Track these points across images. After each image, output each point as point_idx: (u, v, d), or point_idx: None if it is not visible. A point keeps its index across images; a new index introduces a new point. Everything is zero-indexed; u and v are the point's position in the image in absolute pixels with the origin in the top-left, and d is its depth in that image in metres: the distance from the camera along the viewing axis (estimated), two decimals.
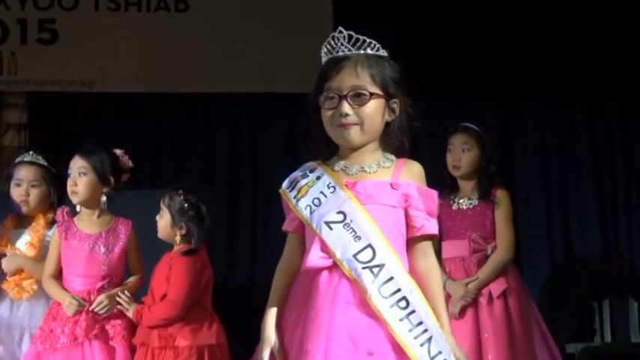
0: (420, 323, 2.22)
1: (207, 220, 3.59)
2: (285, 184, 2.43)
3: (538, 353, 3.84)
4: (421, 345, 2.20)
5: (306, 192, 2.36)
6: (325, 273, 2.28)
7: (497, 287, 3.83)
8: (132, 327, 3.59)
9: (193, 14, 5.44)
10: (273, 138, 5.42)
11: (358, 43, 2.35)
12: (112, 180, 3.70)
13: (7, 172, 4.00)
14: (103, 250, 3.63)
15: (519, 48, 5.24)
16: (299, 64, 5.02)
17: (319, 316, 2.22)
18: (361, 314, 2.22)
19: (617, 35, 5.16)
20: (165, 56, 5.36)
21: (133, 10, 5.41)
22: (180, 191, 3.61)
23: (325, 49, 2.39)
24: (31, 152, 3.97)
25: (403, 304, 2.22)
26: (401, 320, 2.21)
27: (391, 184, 2.33)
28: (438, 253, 3.81)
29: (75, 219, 3.69)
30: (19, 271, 3.79)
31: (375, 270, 2.24)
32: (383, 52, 2.38)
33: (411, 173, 2.37)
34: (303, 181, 2.39)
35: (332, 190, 2.34)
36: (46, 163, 3.91)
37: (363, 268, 2.24)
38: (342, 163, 2.39)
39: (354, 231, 2.27)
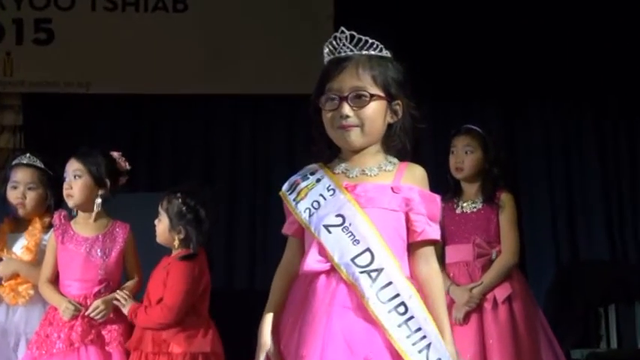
0: (419, 329, 2.18)
1: (205, 224, 3.56)
2: (285, 186, 2.41)
3: (544, 359, 3.81)
4: (419, 352, 2.16)
5: (306, 195, 2.34)
6: (323, 277, 2.25)
7: (502, 292, 3.80)
8: (128, 332, 3.55)
9: (192, 14, 5.43)
10: (273, 140, 5.41)
11: (360, 44, 2.32)
12: (109, 183, 3.67)
13: (3, 174, 3.98)
14: (99, 253, 3.61)
15: (522, 47, 5.25)
16: (299, 64, 5.00)
17: (316, 321, 2.19)
18: (358, 319, 2.19)
19: (622, 34, 5.18)
20: (163, 57, 5.34)
21: (130, 10, 5.40)
22: (179, 194, 3.57)
23: (327, 50, 2.37)
24: (28, 155, 3.94)
25: (402, 309, 2.19)
26: (399, 326, 2.17)
27: (392, 188, 2.30)
28: (442, 257, 3.80)
29: (72, 222, 3.66)
30: (15, 275, 3.75)
31: (374, 274, 2.21)
32: (386, 53, 2.35)
33: (413, 177, 2.34)
34: (303, 184, 2.37)
35: (331, 192, 2.31)
36: (43, 166, 3.88)
37: (361, 272, 2.21)
38: (343, 165, 2.36)
39: (352, 234, 2.24)
